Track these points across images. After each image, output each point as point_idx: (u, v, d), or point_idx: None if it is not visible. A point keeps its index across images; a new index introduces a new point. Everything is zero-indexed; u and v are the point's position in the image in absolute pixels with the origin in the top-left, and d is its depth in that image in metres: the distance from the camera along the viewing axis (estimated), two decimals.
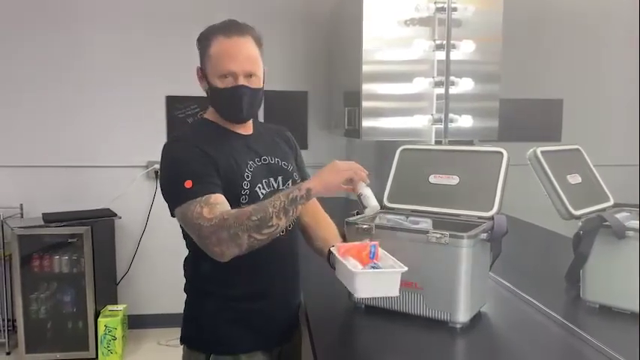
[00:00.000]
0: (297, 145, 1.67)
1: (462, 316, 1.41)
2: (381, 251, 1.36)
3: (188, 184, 1.31)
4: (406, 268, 1.29)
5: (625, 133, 1.60)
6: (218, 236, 1.26)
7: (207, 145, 1.39)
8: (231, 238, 1.25)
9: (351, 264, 1.30)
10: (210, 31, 1.43)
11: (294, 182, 1.54)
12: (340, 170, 1.33)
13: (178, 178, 1.34)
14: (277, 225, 1.27)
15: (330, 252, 1.43)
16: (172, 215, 1.38)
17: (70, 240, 3.40)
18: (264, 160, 1.48)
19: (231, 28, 1.41)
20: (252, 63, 1.41)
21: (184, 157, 1.37)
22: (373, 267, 1.32)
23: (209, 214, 1.28)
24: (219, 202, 1.31)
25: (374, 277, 1.29)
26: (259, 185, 1.44)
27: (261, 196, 1.43)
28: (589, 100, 1.75)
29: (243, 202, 1.40)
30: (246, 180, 1.41)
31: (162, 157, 1.41)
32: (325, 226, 1.60)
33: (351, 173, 1.33)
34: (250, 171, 1.43)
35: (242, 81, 1.40)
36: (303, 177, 1.63)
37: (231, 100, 1.42)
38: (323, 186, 1.30)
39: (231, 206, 1.36)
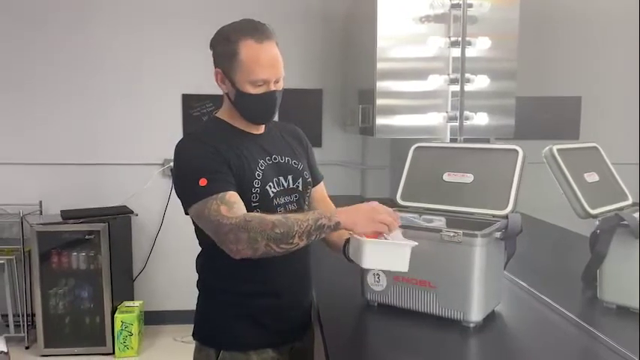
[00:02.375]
0: (309, 143, 1.67)
1: (476, 315, 1.40)
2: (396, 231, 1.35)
3: (203, 182, 1.32)
4: (416, 243, 1.27)
5: None
6: (237, 235, 1.27)
7: (220, 144, 1.40)
8: (249, 241, 1.26)
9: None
10: (234, 35, 1.39)
11: (305, 181, 1.54)
12: (375, 220, 1.27)
13: (193, 176, 1.34)
14: (297, 244, 1.27)
15: (345, 244, 1.44)
16: (186, 213, 1.39)
17: (87, 237, 3.46)
18: (275, 159, 1.49)
19: (259, 31, 1.39)
20: (281, 68, 1.42)
21: (198, 155, 1.38)
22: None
23: (228, 212, 1.29)
24: (235, 200, 1.32)
25: (382, 248, 1.27)
26: (270, 184, 1.44)
27: (272, 195, 1.43)
28: (608, 97, 1.72)
29: (254, 200, 1.41)
30: (257, 179, 1.42)
31: (175, 155, 1.42)
32: None
33: (383, 228, 1.28)
34: (261, 170, 1.43)
35: (273, 87, 1.41)
36: (315, 176, 1.62)
37: (262, 105, 1.43)
38: (352, 226, 1.28)
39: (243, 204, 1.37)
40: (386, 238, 1.32)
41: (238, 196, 1.34)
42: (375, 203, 1.32)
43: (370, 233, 1.27)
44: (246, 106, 1.44)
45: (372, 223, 1.27)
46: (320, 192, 1.66)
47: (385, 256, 1.27)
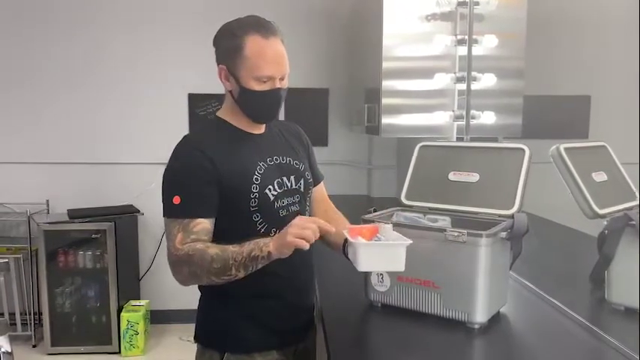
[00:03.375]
0: (310, 142, 1.64)
1: (480, 316, 1.38)
2: (387, 227, 1.35)
3: (176, 199, 1.34)
4: (410, 241, 1.26)
5: None
6: (179, 268, 1.32)
7: (217, 149, 1.38)
8: (190, 275, 1.32)
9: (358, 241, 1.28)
10: (239, 30, 1.36)
11: (306, 182, 1.52)
12: (289, 236, 1.20)
13: (171, 189, 1.36)
14: (236, 275, 1.28)
15: (344, 243, 1.42)
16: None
17: (93, 236, 3.47)
18: (275, 159, 1.47)
19: (265, 27, 1.37)
20: (286, 65, 1.40)
21: (184, 167, 1.37)
22: (378, 240, 1.30)
23: (180, 242, 1.32)
24: (197, 230, 1.33)
25: (377, 250, 1.27)
26: (269, 187, 1.42)
27: (272, 198, 1.42)
28: (618, 96, 1.69)
29: (253, 205, 1.39)
30: (255, 184, 1.40)
31: (172, 153, 1.41)
32: (339, 223, 1.58)
33: (299, 242, 1.20)
34: (260, 173, 1.41)
35: (278, 84, 1.39)
36: (316, 175, 1.61)
37: (267, 103, 1.41)
38: (280, 249, 1.24)
39: (241, 210, 1.38)
40: (378, 237, 1.32)
41: (205, 224, 1.34)
42: (299, 218, 1.26)
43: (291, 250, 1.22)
44: (250, 104, 1.41)
45: (287, 240, 1.20)
46: (320, 192, 1.65)
47: (380, 257, 1.27)
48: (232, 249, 1.28)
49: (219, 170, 1.36)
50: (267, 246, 1.25)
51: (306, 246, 1.21)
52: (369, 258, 1.25)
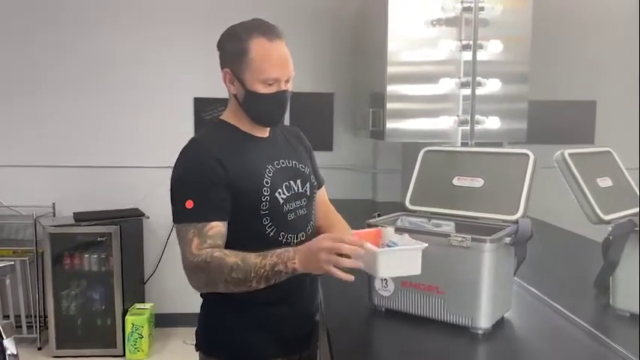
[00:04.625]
0: (311, 146, 1.64)
1: (484, 321, 1.37)
2: (389, 230, 1.35)
3: (189, 204, 1.31)
4: (426, 245, 1.26)
5: None
6: (196, 275, 1.30)
7: (226, 152, 1.37)
8: (207, 283, 1.30)
9: (366, 247, 1.28)
10: (244, 33, 1.36)
11: (312, 185, 1.52)
12: (323, 263, 1.19)
13: (183, 194, 1.33)
14: (255, 287, 1.27)
15: None
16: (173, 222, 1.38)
17: (99, 239, 3.48)
18: (282, 163, 1.46)
19: (270, 30, 1.37)
20: (291, 68, 1.40)
21: (195, 170, 1.35)
22: (389, 246, 1.29)
23: (196, 248, 1.29)
24: (212, 233, 1.31)
25: (396, 255, 1.26)
26: (279, 190, 1.41)
27: (281, 201, 1.41)
28: (624, 101, 1.68)
29: (264, 208, 1.38)
30: (265, 186, 1.39)
31: (178, 157, 1.39)
32: (339, 227, 1.58)
33: (333, 270, 1.19)
34: (270, 176, 1.40)
35: (284, 86, 1.39)
36: (318, 179, 1.61)
37: (273, 105, 1.40)
38: (306, 270, 1.25)
39: (252, 214, 1.37)
40: (395, 244, 1.31)
41: (219, 228, 1.32)
42: (324, 239, 1.23)
43: (323, 270, 1.22)
44: (256, 107, 1.40)
45: (318, 264, 1.20)
46: (321, 196, 1.64)
47: (398, 262, 1.26)
48: (254, 260, 1.25)
49: (230, 173, 1.34)
50: (293, 262, 1.23)
51: (350, 277, 1.19)
52: (388, 264, 1.24)
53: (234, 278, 1.25)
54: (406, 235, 1.33)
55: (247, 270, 1.24)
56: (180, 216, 1.33)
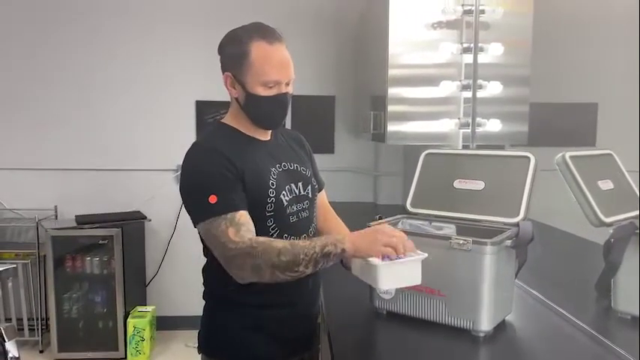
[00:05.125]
0: (311, 150, 1.65)
1: (485, 324, 1.37)
2: None
3: (213, 199, 1.29)
4: (426, 255, 1.26)
5: None
6: (242, 261, 1.26)
7: (233, 153, 1.37)
8: (254, 269, 1.25)
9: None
10: (245, 36, 1.37)
11: (313, 188, 1.53)
12: (379, 243, 1.22)
13: (203, 191, 1.31)
14: (303, 272, 1.24)
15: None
16: (195, 226, 1.36)
17: (101, 242, 3.48)
18: (285, 166, 1.47)
19: (270, 33, 1.37)
20: (292, 70, 1.40)
21: (209, 168, 1.34)
22: (390, 257, 1.29)
23: (235, 235, 1.26)
24: (243, 221, 1.29)
25: (396, 268, 1.25)
26: (283, 192, 1.42)
27: (285, 203, 1.42)
28: (626, 104, 1.68)
29: (269, 209, 1.39)
30: (271, 188, 1.39)
31: (185, 164, 1.38)
32: (338, 230, 1.59)
33: (389, 250, 1.22)
34: (274, 178, 1.41)
35: (284, 89, 1.39)
36: (318, 182, 1.61)
37: (274, 108, 1.40)
38: (359, 251, 1.24)
39: (257, 215, 1.36)
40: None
41: (248, 216, 1.31)
42: (384, 226, 1.28)
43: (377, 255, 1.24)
44: (257, 109, 1.41)
45: (375, 247, 1.22)
46: (322, 199, 1.65)
47: (399, 274, 1.26)
48: (302, 244, 1.25)
49: (239, 170, 1.35)
50: (342, 243, 1.23)
51: (393, 254, 1.21)
52: (388, 276, 1.24)
53: (282, 261, 1.22)
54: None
55: (296, 253, 1.23)
56: (206, 213, 1.31)
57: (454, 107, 2.49)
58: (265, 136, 1.50)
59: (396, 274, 1.26)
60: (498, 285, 1.38)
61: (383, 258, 1.25)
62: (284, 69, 1.38)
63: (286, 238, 1.42)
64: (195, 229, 1.38)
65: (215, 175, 1.33)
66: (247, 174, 1.36)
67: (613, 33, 1.74)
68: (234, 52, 1.38)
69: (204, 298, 1.52)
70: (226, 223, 1.28)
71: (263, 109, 1.41)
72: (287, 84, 1.40)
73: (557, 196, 1.73)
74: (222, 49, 1.43)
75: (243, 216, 1.31)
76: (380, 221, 1.57)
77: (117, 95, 3.77)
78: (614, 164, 1.62)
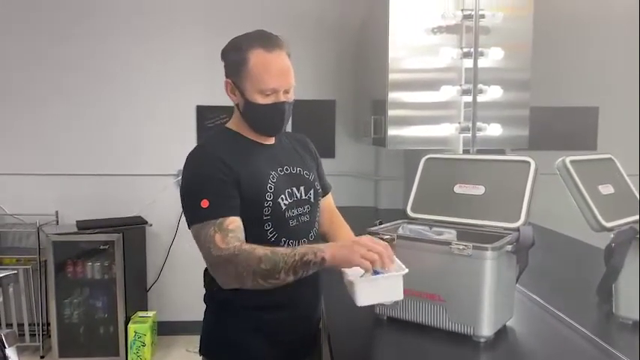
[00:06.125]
0: (318, 154, 1.66)
1: (486, 330, 1.37)
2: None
3: (205, 203, 1.31)
4: (407, 270, 1.25)
5: None
6: (225, 268, 1.29)
7: (231, 157, 1.38)
8: (236, 275, 1.27)
9: (353, 272, 1.27)
10: (244, 43, 1.38)
11: (316, 192, 1.53)
12: (357, 255, 1.21)
13: (197, 194, 1.33)
14: (284, 279, 1.25)
15: None
16: (188, 228, 1.38)
17: (102, 247, 3.49)
18: (287, 169, 1.48)
19: (270, 41, 1.38)
20: (291, 78, 1.41)
21: (206, 172, 1.36)
22: (375, 272, 1.28)
23: (221, 242, 1.28)
24: (233, 227, 1.31)
25: (374, 284, 1.24)
26: (282, 196, 1.43)
27: (284, 207, 1.42)
28: (627, 107, 1.68)
29: (266, 214, 1.40)
30: (269, 192, 1.40)
31: (185, 165, 1.41)
32: (343, 235, 1.59)
33: (366, 264, 1.21)
34: (273, 182, 1.42)
35: (282, 97, 1.40)
36: (324, 186, 1.61)
37: (271, 116, 1.41)
38: (337, 262, 1.25)
39: (254, 219, 1.37)
40: (376, 271, 1.28)
41: (238, 222, 1.33)
42: (366, 238, 1.28)
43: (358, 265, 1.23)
44: (255, 117, 1.42)
45: (355, 257, 1.21)
46: (327, 202, 1.65)
47: (378, 290, 1.25)
48: (283, 251, 1.26)
49: (236, 174, 1.36)
50: (322, 252, 1.24)
51: (370, 268, 1.20)
52: (368, 293, 1.24)
53: (262, 269, 1.24)
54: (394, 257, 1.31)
55: (276, 261, 1.24)
56: (197, 217, 1.33)
57: (454, 112, 2.48)
58: (269, 139, 1.50)
59: (376, 290, 1.25)
60: (499, 290, 1.38)
61: (375, 272, 1.24)
62: (282, 77, 1.38)
63: (285, 242, 1.42)
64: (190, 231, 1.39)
65: (211, 179, 1.34)
66: (244, 178, 1.37)
67: (614, 36, 1.74)
68: (233, 59, 1.40)
69: (205, 301, 1.53)
70: (215, 229, 1.30)
71: (261, 117, 1.42)
72: (286, 92, 1.41)
73: (559, 199, 1.72)
74: (224, 55, 1.45)
75: (233, 222, 1.32)
76: (380, 226, 1.57)
77: (118, 100, 3.77)
78: (615, 168, 1.62)
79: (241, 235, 1.32)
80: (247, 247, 1.28)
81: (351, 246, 1.24)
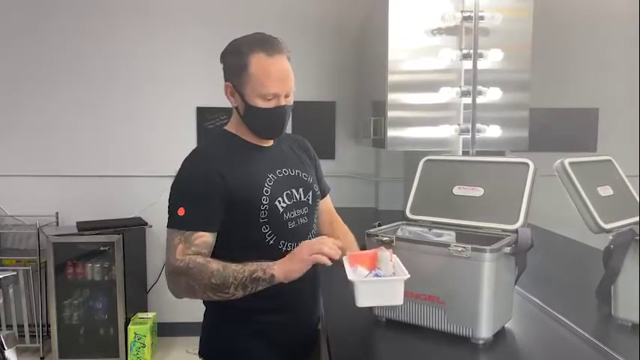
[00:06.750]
0: (317, 156, 1.66)
1: (485, 332, 1.37)
2: (384, 257, 1.33)
3: (181, 211, 1.35)
4: (408, 275, 1.26)
5: None
6: (177, 279, 1.32)
7: (227, 162, 1.39)
8: (187, 288, 1.32)
9: (357, 272, 1.27)
10: (245, 47, 1.38)
11: (314, 194, 1.53)
12: (303, 259, 1.29)
13: (177, 200, 1.37)
14: (233, 294, 1.30)
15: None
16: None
17: (102, 248, 3.49)
18: (285, 172, 1.48)
19: (270, 45, 1.38)
20: (291, 82, 1.41)
21: (191, 180, 1.38)
22: (377, 275, 1.29)
23: (180, 253, 1.32)
24: (198, 242, 1.33)
25: (374, 286, 1.26)
26: (279, 199, 1.43)
27: (281, 210, 1.42)
28: (627, 109, 1.68)
29: (263, 217, 1.40)
30: (265, 195, 1.41)
31: (180, 166, 1.42)
32: (343, 238, 1.59)
33: (318, 257, 1.28)
34: (270, 185, 1.42)
35: (283, 101, 1.40)
36: (322, 188, 1.61)
37: (272, 120, 1.42)
38: (285, 275, 1.29)
39: (251, 222, 1.38)
40: (378, 273, 1.30)
41: (207, 237, 1.35)
42: (305, 243, 1.33)
43: (306, 269, 1.29)
44: (255, 121, 1.43)
45: (301, 263, 1.28)
46: (327, 204, 1.65)
47: (378, 293, 1.27)
48: (234, 267, 1.29)
49: (229, 183, 1.37)
50: (271, 269, 1.28)
51: (327, 261, 1.26)
52: (367, 294, 1.25)
53: (212, 284, 1.28)
54: (398, 261, 1.33)
55: (226, 276, 1.28)
56: (171, 222, 1.37)
57: (454, 113, 2.48)
58: (267, 142, 1.51)
59: (375, 292, 1.26)
60: (498, 292, 1.38)
61: (367, 275, 1.26)
62: (283, 82, 1.39)
63: (283, 244, 1.43)
64: None
65: (194, 190, 1.37)
66: (238, 182, 1.38)
67: (614, 37, 1.74)
68: (234, 63, 1.40)
69: (204, 303, 1.53)
70: (180, 239, 1.33)
71: (261, 121, 1.43)
72: (286, 95, 1.41)
73: (559, 201, 1.72)
74: (223, 58, 1.45)
75: (201, 237, 1.34)
76: (379, 228, 1.57)
77: (118, 101, 3.78)
78: (614, 170, 1.61)
79: (206, 250, 1.35)
80: (202, 260, 1.31)
81: (292, 257, 1.30)
